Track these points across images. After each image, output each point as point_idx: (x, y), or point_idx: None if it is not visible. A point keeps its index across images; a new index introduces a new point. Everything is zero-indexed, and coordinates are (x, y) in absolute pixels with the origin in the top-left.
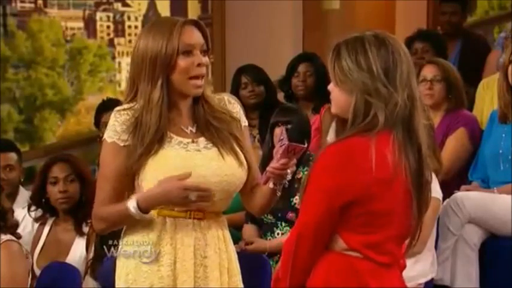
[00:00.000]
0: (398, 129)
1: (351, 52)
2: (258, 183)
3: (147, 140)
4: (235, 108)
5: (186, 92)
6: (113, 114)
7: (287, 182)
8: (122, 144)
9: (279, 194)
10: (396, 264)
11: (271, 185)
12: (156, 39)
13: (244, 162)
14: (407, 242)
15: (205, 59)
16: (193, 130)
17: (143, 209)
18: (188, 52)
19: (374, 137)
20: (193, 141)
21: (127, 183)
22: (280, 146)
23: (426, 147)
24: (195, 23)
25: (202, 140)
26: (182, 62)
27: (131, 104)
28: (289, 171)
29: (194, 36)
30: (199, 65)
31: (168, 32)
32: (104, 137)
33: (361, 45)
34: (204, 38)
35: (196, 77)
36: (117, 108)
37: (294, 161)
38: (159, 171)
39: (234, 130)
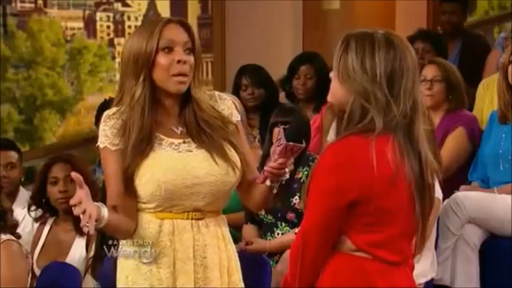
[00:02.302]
0: (399, 133)
1: (359, 50)
2: (255, 180)
3: (133, 138)
4: (226, 103)
5: (169, 89)
6: (102, 120)
7: (291, 181)
8: (113, 149)
9: (275, 191)
10: (406, 263)
11: (268, 182)
12: (139, 38)
13: (238, 164)
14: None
15: (188, 57)
16: (184, 130)
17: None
18: (169, 49)
19: (373, 137)
20: (184, 142)
21: (130, 184)
22: (278, 146)
23: (427, 151)
24: (180, 22)
25: (193, 141)
26: (162, 59)
27: (119, 107)
28: (287, 170)
29: (176, 33)
30: (179, 61)
31: (150, 30)
32: (97, 144)
33: (370, 44)
34: (190, 38)
35: (178, 74)
36: (106, 112)
37: (292, 160)
38: (153, 174)
39: (228, 134)
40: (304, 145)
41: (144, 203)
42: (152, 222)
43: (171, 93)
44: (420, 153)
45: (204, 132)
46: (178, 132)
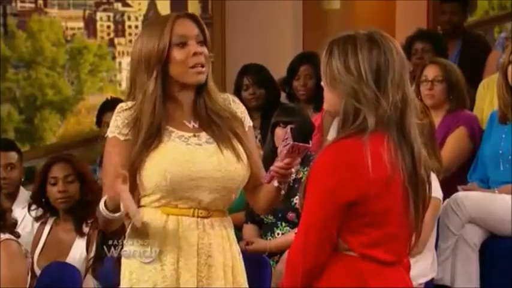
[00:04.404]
0: (392, 130)
1: (341, 54)
2: (262, 181)
3: (143, 132)
4: (239, 107)
5: (189, 81)
6: (115, 111)
7: (292, 181)
8: (122, 139)
9: (283, 192)
10: (400, 263)
11: (275, 183)
12: (150, 36)
13: (244, 158)
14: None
15: (203, 49)
16: (196, 125)
17: (110, 207)
18: (183, 44)
19: (368, 138)
20: (194, 135)
21: (132, 178)
22: (285, 146)
23: (420, 145)
24: (189, 16)
25: (204, 135)
26: (178, 54)
27: (133, 102)
28: (293, 170)
29: (187, 27)
30: (195, 53)
31: (161, 28)
32: (106, 134)
33: (352, 46)
34: (200, 30)
35: (196, 66)
36: (120, 105)
37: (298, 160)
38: (158, 164)
39: (235, 127)
40: (310, 145)
41: (148, 195)
42: (158, 219)
43: (188, 86)
44: (413, 147)
45: (214, 122)
46: (190, 126)
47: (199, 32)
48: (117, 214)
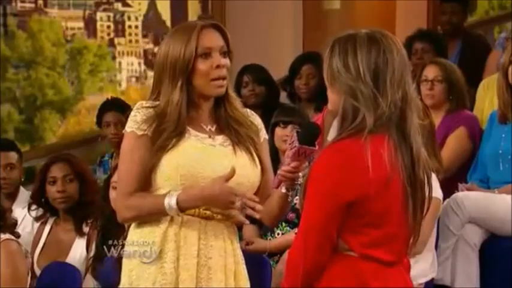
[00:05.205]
0: (392, 130)
1: (341, 52)
2: (271, 194)
3: (164, 137)
4: (256, 119)
5: (209, 93)
6: (135, 108)
7: (300, 187)
8: (140, 133)
9: (290, 199)
10: (400, 263)
11: (283, 189)
12: (176, 44)
13: (258, 164)
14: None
15: (225, 61)
16: (213, 129)
17: (182, 208)
18: (207, 55)
19: (368, 138)
20: (210, 137)
21: (146, 178)
22: (291, 149)
23: (420, 146)
24: (214, 26)
25: (219, 138)
26: (201, 65)
27: (155, 103)
28: (300, 174)
29: (213, 39)
30: (218, 66)
31: (187, 36)
32: (124, 129)
33: (352, 45)
34: (224, 40)
35: (218, 79)
36: (140, 103)
37: (306, 164)
38: (171, 160)
39: (252, 134)
40: (317, 148)
41: (157, 190)
42: (161, 217)
43: (210, 96)
44: (412, 147)
45: (232, 127)
46: (207, 129)
47: (223, 43)
48: (181, 213)
